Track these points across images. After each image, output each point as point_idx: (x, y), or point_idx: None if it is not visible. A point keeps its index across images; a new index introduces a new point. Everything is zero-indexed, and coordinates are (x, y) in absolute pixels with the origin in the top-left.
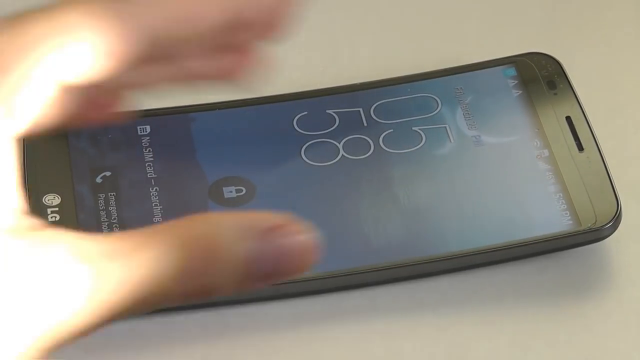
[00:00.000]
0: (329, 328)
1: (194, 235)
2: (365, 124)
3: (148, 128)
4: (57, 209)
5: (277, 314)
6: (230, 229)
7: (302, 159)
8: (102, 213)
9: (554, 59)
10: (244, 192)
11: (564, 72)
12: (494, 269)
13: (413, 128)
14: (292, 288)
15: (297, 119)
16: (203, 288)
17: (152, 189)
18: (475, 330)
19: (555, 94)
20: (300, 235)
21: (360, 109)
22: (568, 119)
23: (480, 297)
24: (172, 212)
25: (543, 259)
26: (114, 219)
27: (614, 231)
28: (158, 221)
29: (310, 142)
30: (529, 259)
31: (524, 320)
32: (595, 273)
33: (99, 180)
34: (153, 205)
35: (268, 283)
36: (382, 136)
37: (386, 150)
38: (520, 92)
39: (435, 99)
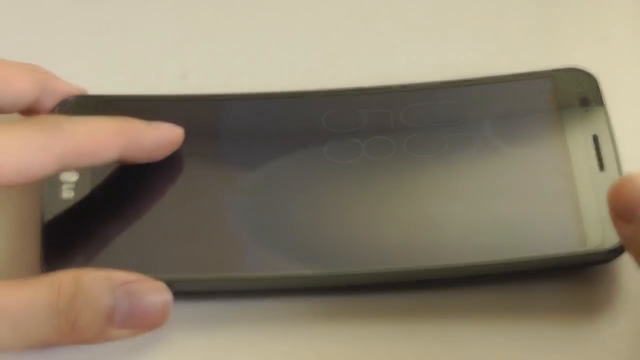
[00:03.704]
0: (329, 327)
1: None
2: (392, 126)
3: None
4: (73, 185)
5: (275, 312)
6: (94, 282)
7: (324, 155)
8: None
9: (592, 76)
10: (256, 182)
11: (599, 90)
12: (495, 284)
13: (438, 134)
14: (302, 282)
15: (326, 116)
16: (70, 325)
17: None
18: (472, 341)
19: (586, 111)
20: (154, 293)
21: (390, 111)
22: (595, 137)
23: (481, 311)
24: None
25: (548, 277)
26: None
27: (619, 254)
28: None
29: (335, 140)
30: (533, 276)
31: (524, 337)
32: (601, 295)
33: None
34: None
35: (128, 331)
36: (406, 139)
37: (407, 154)
38: (552, 106)
39: (466, 107)
